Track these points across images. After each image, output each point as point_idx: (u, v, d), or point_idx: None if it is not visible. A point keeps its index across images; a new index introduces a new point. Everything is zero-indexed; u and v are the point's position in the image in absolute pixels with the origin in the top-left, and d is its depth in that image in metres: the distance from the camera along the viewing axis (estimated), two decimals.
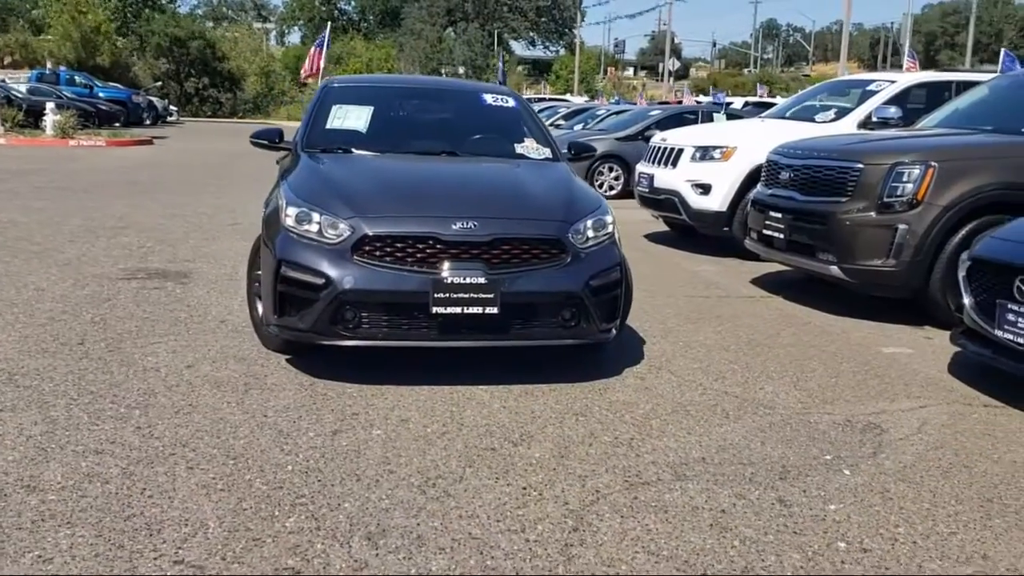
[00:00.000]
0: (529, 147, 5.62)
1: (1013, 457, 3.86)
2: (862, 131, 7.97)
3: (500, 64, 25.12)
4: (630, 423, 4.09)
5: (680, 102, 25.56)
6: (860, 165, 6.26)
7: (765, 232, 7.01)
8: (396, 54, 59.85)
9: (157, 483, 3.25)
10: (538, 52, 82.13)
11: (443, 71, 68.00)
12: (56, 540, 2.81)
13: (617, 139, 14.78)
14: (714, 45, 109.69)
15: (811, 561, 2.89)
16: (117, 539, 2.83)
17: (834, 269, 6.35)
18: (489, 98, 6.10)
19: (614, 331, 4.76)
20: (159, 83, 44.87)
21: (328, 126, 5.54)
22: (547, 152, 5.61)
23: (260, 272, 5.06)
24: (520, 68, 73.03)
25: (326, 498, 3.19)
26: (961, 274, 4.89)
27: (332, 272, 4.29)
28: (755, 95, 34.50)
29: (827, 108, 9.46)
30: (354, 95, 5.90)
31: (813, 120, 9.25)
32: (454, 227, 4.35)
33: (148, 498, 3.13)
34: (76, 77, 34.88)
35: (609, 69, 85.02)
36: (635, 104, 26.47)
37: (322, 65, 6.82)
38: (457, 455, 3.63)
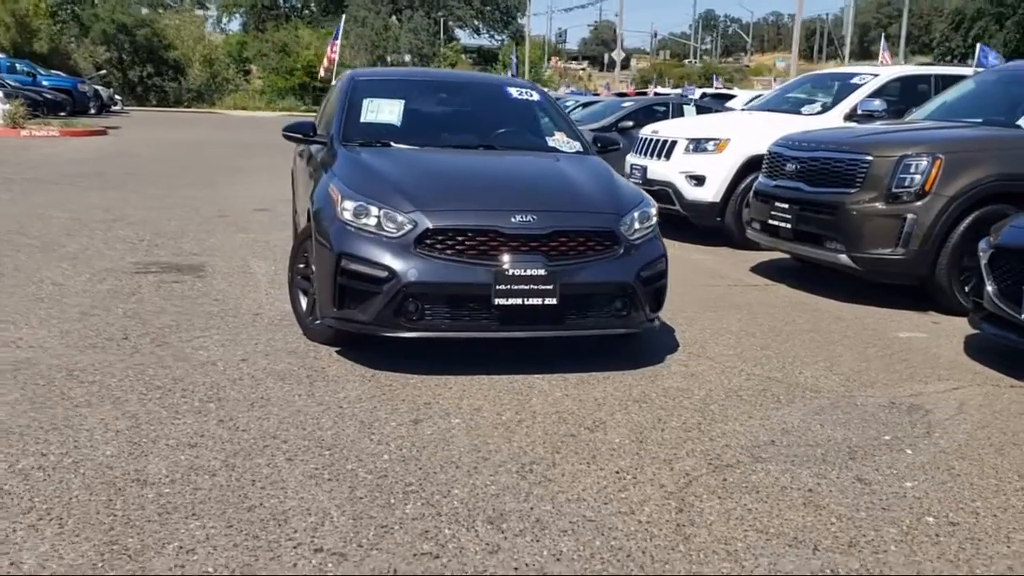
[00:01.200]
0: (560, 140, 5.73)
1: None
2: (864, 124, 8.22)
3: (514, 57, 24.64)
4: (691, 409, 4.24)
5: (643, 93, 25.80)
6: (869, 157, 6.49)
7: (771, 222, 7.22)
8: (344, 43, 59.25)
9: (263, 474, 3.31)
10: (483, 40, 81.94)
11: (388, 59, 67.58)
12: (190, 531, 2.86)
13: (592, 131, 14.91)
14: (655, 36, 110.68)
15: (908, 535, 3.07)
16: (248, 529, 2.89)
17: (843, 258, 6.58)
18: (514, 91, 6.19)
19: (657, 320, 4.91)
20: (102, 71, 43.75)
21: (362, 120, 5.58)
22: (577, 145, 5.73)
23: (302, 267, 5.11)
24: (464, 56, 72.80)
25: (434, 485, 3.28)
26: (983, 262, 5.13)
27: (396, 265, 4.36)
28: (710, 86, 34.94)
29: (813, 101, 9.73)
30: (382, 89, 5.94)
31: (800, 112, 9.51)
32: (514, 220, 4.45)
33: (262, 489, 3.18)
34: (17, 65, 33.81)
35: (553, 59, 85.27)
36: (598, 95, 26.57)
37: (335, 57, 6.78)
38: (541, 442, 3.75)
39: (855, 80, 9.60)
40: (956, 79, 9.64)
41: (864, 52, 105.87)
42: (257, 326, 5.35)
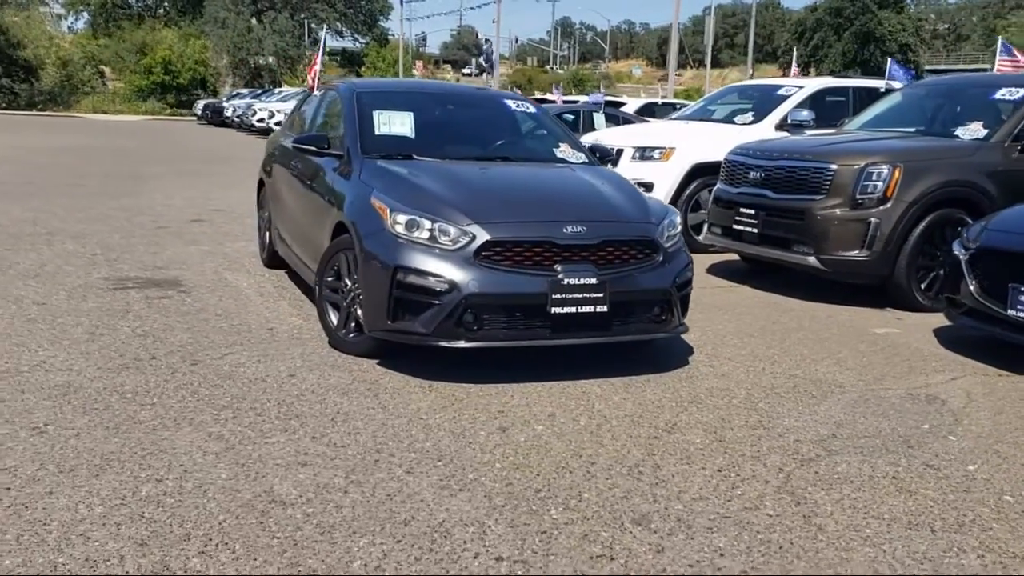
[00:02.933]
0: (567, 151, 5.89)
1: None
2: (797, 134, 8.73)
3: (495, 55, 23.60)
4: (744, 408, 4.49)
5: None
6: (834, 166, 6.95)
7: (735, 227, 7.60)
8: (208, 44, 57.38)
9: (394, 488, 3.34)
10: (347, 43, 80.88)
11: (251, 61, 65.87)
12: (363, 549, 2.88)
13: None
14: (516, 41, 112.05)
15: (999, 513, 3.39)
16: (419, 543, 2.93)
17: (811, 260, 7.01)
18: (512, 104, 6.32)
19: (685, 325, 5.15)
20: None
21: (377, 132, 5.57)
22: (582, 156, 5.91)
23: (331, 279, 5.09)
24: (327, 59, 71.61)
25: (562, 490, 3.39)
26: (963, 262, 5.60)
27: (456, 276, 4.42)
28: (582, 94, 35.70)
29: (740, 111, 10.24)
30: (387, 101, 5.94)
31: (733, 122, 9.99)
32: (566, 231, 4.59)
33: (402, 503, 3.22)
34: None
35: (417, 62, 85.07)
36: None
37: (318, 69, 6.63)
38: (631, 444, 3.90)
39: (781, 92, 10.17)
40: (869, 91, 10.43)
41: (714, 61, 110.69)
42: (279, 341, 5.27)
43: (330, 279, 5.14)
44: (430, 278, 4.46)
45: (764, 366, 5.26)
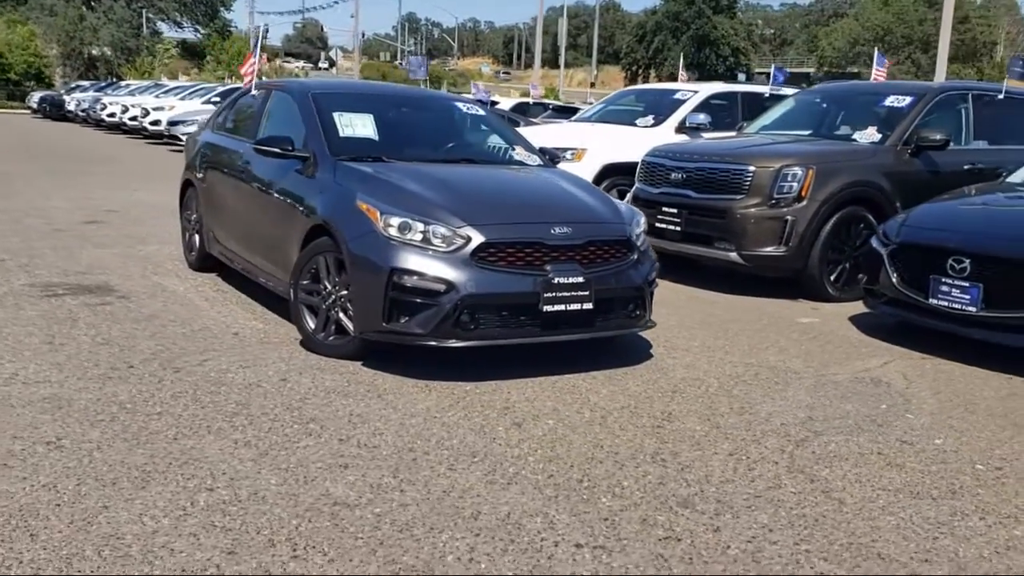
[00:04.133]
0: (522, 153, 6.06)
1: (993, 393, 5.10)
2: (695, 136, 9.20)
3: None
4: (722, 395, 4.79)
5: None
6: (752, 168, 7.42)
7: (657, 226, 7.96)
8: (36, 31, 53.95)
9: (445, 484, 3.43)
10: (187, 34, 77.80)
11: (84, 51, 62.46)
12: (448, 543, 2.97)
13: None
14: (363, 36, 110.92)
15: (979, 480, 3.80)
16: (500, 535, 3.06)
17: (733, 255, 7.47)
18: (464, 107, 6.43)
19: (654, 320, 5.42)
20: None
21: (342, 135, 5.57)
22: (537, 159, 6.09)
23: (307, 283, 5.09)
24: (164, 50, 68.68)
25: (600, 479, 3.58)
26: (884, 255, 6.14)
27: (454, 277, 4.53)
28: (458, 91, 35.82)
29: (640, 114, 10.70)
30: (343, 102, 5.93)
31: (635, 124, 10.43)
32: (554, 232, 4.77)
33: (460, 499, 3.32)
34: None
35: (262, 56, 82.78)
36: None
37: (256, 66, 6.38)
38: (641, 434, 4.13)
39: (677, 96, 10.68)
40: (755, 96, 11.11)
41: (557, 61, 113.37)
42: (249, 346, 5.21)
43: (306, 282, 5.11)
44: (428, 280, 4.54)
45: (720, 356, 5.60)
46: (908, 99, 8.16)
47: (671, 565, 2.93)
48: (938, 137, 7.70)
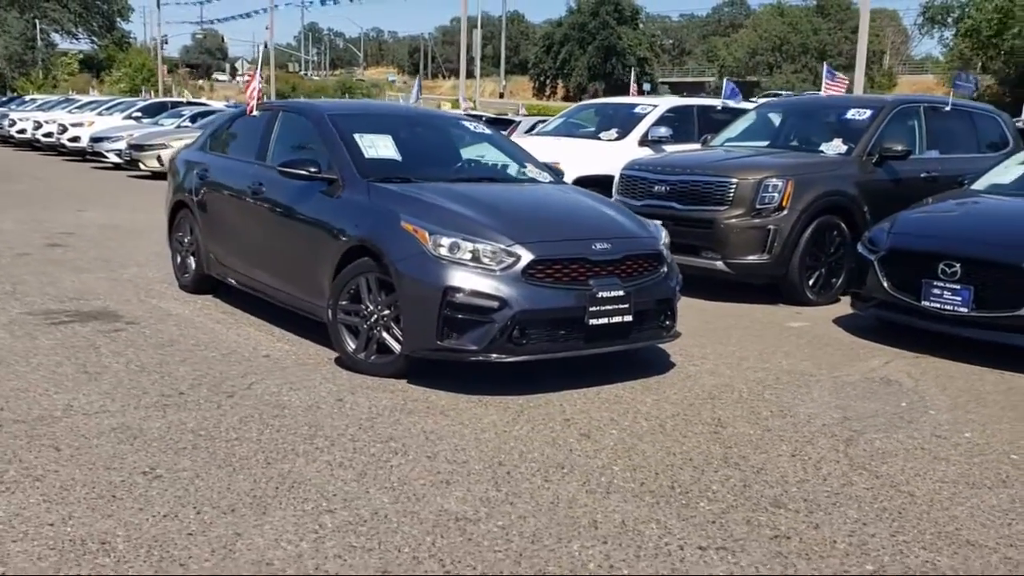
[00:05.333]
0: (533, 171, 6.21)
1: (992, 387, 5.47)
2: (709, 149, 9.39)
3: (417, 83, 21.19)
4: (756, 399, 5.03)
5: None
6: (734, 180, 7.74)
7: None
8: None
9: (550, 495, 3.56)
10: (83, 46, 75.30)
11: None
12: (582, 551, 3.11)
13: None
14: (265, 46, 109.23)
15: (1019, 468, 4.13)
16: (623, 541, 3.20)
17: (719, 264, 7.77)
18: (471, 126, 6.55)
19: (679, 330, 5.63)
20: None
21: (367, 156, 5.63)
22: (547, 175, 6.26)
23: (346, 303, 5.15)
24: (67, 64, 66.45)
25: (691, 484, 3.76)
26: (875, 261, 6.50)
27: (507, 295, 4.66)
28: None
29: (602, 128, 10.98)
30: (361, 124, 5.97)
31: (599, 138, 10.70)
32: (595, 247, 4.95)
33: (570, 508, 3.46)
34: None
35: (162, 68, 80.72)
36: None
37: (258, 87, 6.24)
38: (704, 440, 4.33)
39: (637, 110, 11.00)
40: (708, 108, 11.53)
41: (466, 72, 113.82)
42: (286, 367, 5.23)
43: (344, 302, 5.16)
44: (482, 297, 4.66)
45: (735, 362, 5.85)
46: (868, 112, 8.63)
47: (792, 562, 3.13)
48: (900, 148, 8.18)
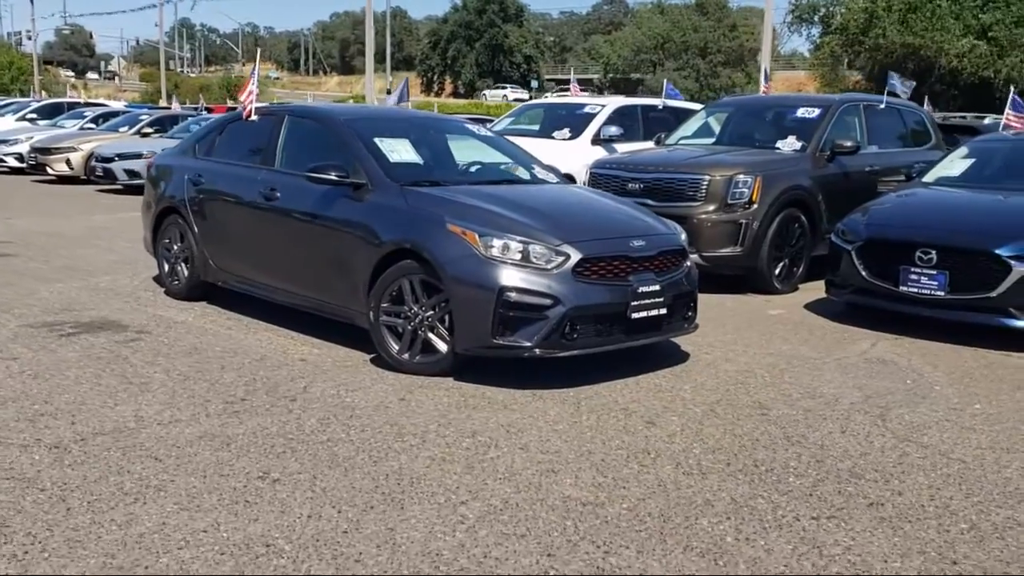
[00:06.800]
0: (543, 172, 6.42)
1: (975, 363, 5.98)
2: (670, 148, 9.70)
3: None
4: (780, 383, 5.37)
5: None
6: (707, 177, 8.13)
7: None
8: None
9: (652, 480, 3.79)
10: None
11: None
12: (706, 529, 3.35)
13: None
14: (137, 42, 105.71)
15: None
16: (733, 521, 3.46)
17: (695, 257, 8.08)
18: (475, 128, 6.69)
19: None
20: None
21: (392, 160, 5.71)
22: (554, 176, 6.47)
23: (387, 305, 5.25)
24: None
25: (772, 462, 4.05)
26: (853, 250, 6.98)
27: (560, 292, 4.87)
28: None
29: (556, 127, 11.25)
30: (377, 128, 6.04)
31: (553, 137, 10.96)
32: (632, 245, 5.21)
33: (677, 491, 3.70)
34: None
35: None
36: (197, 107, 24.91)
37: (254, 92, 6.04)
38: (758, 421, 4.63)
39: (587, 110, 11.33)
40: (651, 108, 11.96)
41: (349, 68, 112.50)
42: (329, 370, 5.29)
43: (386, 304, 5.25)
44: (535, 295, 4.84)
45: (742, 349, 6.21)
46: (817, 111, 9.18)
47: (898, 525, 3.45)
48: (849, 144, 8.74)
